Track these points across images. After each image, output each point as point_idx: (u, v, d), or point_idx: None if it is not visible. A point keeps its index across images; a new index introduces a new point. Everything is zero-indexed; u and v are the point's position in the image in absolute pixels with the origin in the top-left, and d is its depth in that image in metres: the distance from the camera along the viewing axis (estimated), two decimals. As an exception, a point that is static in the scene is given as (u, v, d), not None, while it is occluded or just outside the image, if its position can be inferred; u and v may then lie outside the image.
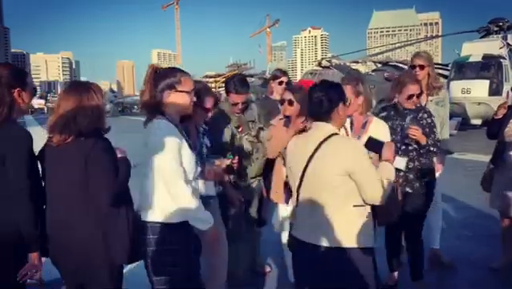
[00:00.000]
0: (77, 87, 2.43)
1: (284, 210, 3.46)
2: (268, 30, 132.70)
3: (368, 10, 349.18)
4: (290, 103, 3.27)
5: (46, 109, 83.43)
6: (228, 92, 3.57)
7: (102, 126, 2.36)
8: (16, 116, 2.44)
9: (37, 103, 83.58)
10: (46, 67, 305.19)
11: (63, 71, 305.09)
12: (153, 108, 2.39)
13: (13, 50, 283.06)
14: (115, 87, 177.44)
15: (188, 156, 2.35)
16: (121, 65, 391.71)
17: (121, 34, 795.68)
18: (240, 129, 3.56)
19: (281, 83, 4.29)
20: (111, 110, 58.43)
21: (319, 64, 30.77)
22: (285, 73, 4.47)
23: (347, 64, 28.96)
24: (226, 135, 3.45)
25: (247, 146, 3.57)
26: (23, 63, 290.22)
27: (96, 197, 2.20)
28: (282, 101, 3.38)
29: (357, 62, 29.22)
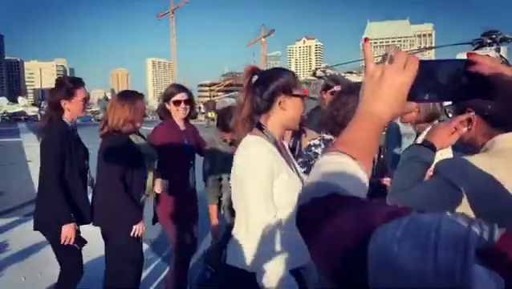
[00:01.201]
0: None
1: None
2: (263, 40, 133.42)
3: (362, 20, 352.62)
4: None
5: (39, 116, 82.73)
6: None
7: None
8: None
9: (31, 110, 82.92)
10: (41, 74, 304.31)
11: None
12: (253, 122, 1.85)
13: (7, 58, 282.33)
14: (109, 96, 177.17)
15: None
16: (116, 73, 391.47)
17: (116, 43, 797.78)
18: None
19: (333, 93, 3.67)
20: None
21: (314, 74, 30.81)
22: (337, 82, 3.81)
23: (342, 74, 29.05)
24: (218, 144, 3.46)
25: None
26: (17, 71, 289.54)
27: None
28: None
29: (351, 72, 29.32)
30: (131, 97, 3.03)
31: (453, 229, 0.47)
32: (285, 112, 1.82)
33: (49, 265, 3.74)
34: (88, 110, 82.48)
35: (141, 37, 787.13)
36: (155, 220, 3.36)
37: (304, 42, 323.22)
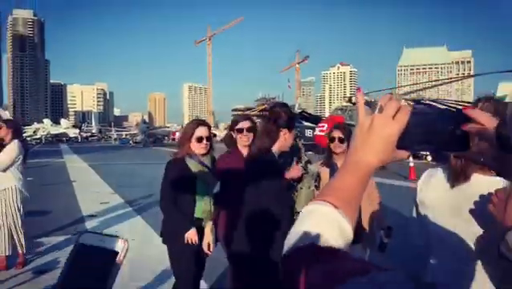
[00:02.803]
0: None
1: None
2: (297, 65, 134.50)
3: (398, 46, 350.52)
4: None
5: (79, 138, 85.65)
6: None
7: None
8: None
9: (72, 132, 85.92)
10: (82, 97, 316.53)
11: (98, 101, 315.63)
12: None
13: (52, 82, 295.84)
14: (147, 119, 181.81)
15: None
16: (153, 97, 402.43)
17: (154, 67, 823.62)
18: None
19: None
20: (144, 140, 59.67)
21: (349, 100, 30.82)
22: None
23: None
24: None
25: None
26: (60, 94, 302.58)
27: None
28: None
29: (390, 99, 29.02)
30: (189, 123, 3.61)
31: None
32: None
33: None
34: (126, 133, 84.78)
35: (178, 62, 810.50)
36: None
37: (338, 68, 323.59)
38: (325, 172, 3.80)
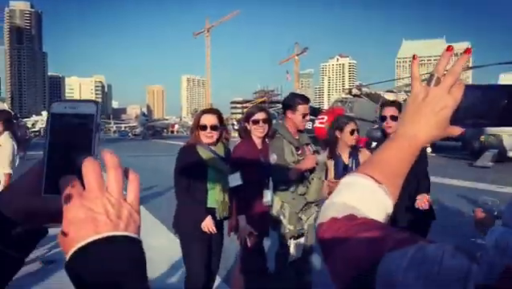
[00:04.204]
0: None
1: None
2: (296, 57, 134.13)
3: (398, 39, 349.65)
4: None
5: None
6: (294, 106, 3.68)
7: None
8: None
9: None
10: (80, 89, 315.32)
11: (96, 93, 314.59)
12: None
13: (49, 74, 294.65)
14: (145, 111, 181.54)
15: None
16: (151, 90, 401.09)
17: (152, 60, 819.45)
18: (299, 151, 3.65)
19: None
20: (143, 133, 59.58)
21: (350, 92, 30.79)
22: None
23: (378, 93, 28.83)
24: (288, 156, 3.58)
25: None
26: (59, 86, 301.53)
27: None
28: None
29: (392, 91, 29.02)
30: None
31: (454, 265, 0.49)
32: None
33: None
34: (125, 125, 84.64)
35: (176, 54, 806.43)
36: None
37: (337, 60, 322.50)
38: (330, 163, 3.81)
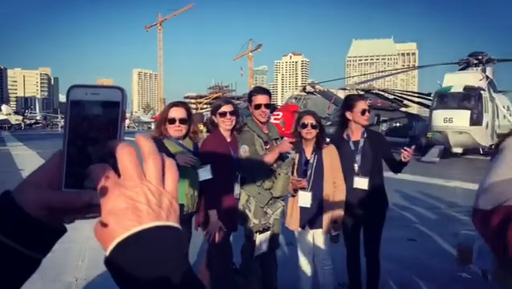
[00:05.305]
0: None
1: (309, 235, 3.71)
2: (250, 54, 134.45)
3: (348, 38, 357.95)
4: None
5: (22, 125, 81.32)
6: (252, 96, 3.69)
7: None
8: None
9: (14, 119, 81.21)
10: (24, 82, 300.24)
11: (41, 87, 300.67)
12: None
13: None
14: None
15: None
16: (101, 83, 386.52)
17: (102, 52, 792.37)
18: (267, 146, 3.67)
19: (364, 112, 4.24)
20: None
21: (304, 89, 31.32)
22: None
23: (331, 91, 29.53)
24: (258, 149, 3.60)
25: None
26: (0, 78, 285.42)
27: None
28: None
29: (344, 89, 29.81)
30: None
31: None
32: None
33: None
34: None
35: (128, 47, 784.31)
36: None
37: (291, 57, 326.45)
38: (295, 157, 3.85)
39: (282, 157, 3.65)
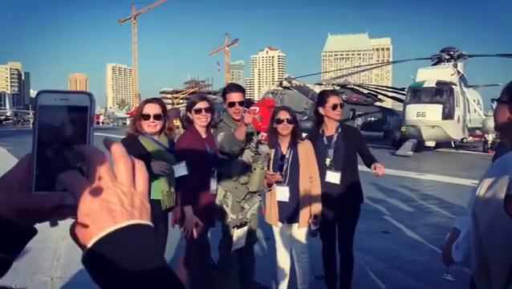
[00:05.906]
0: None
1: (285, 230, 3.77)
2: (227, 48, 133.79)
3: (324, 33, 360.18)
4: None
5: (-7, 122, 78.95)
6: (226, 94, 3.69)
7: None
8: None
9: (-16, 115, 78.61)
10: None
11: (12, 82, 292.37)
12: None
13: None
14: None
15: None
16: (74, 78, 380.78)
17: (75, 47, 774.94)
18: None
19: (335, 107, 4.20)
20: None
21: (280, 84, 31.48)
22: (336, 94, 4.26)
23: (308, 86, 29.76)
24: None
25: (248, 157, 3.67)
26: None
27: None
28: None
29: (320, 84, 30.07)
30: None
31: None
32: None
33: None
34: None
35: (101, 42, 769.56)
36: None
37: (267, 52, 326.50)
38: (271, 152, 3.88)
39: (258, 152, 3.68)
